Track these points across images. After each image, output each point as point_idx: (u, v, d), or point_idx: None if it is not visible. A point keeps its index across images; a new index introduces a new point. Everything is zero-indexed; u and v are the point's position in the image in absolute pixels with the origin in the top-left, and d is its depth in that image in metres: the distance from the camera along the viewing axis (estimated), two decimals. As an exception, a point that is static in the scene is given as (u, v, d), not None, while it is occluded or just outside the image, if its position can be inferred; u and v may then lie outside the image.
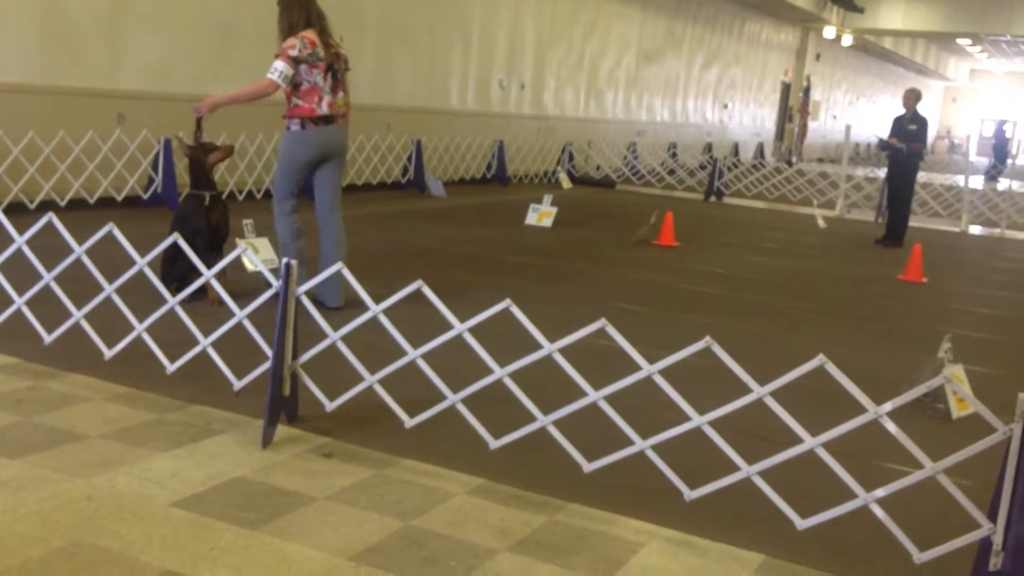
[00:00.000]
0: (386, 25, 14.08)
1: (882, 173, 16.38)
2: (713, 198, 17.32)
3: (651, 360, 3.68)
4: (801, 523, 3.43)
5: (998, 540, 3.05)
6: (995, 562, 3.06)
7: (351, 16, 13.38)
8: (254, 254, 5.55)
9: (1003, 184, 26.07)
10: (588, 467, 3.77)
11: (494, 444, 3.94)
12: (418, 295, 3.96)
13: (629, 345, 3.71)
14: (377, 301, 4.11)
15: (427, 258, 8.95)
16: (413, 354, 4.05)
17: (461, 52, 15.89)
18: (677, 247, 10.99)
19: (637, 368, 3.68)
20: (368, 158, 13.67)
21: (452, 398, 4.01)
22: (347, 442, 4.10)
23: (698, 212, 15.31)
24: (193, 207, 6.40)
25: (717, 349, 3.51)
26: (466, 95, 16.21)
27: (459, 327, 3.95)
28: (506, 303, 3.84)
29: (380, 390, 4.13)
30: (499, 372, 3.91)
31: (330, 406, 4.20)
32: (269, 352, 4.11)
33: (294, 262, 4.04)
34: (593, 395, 3.76)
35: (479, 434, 3.97)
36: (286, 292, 4.01)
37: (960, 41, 38.44)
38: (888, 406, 3.29)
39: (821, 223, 14.69)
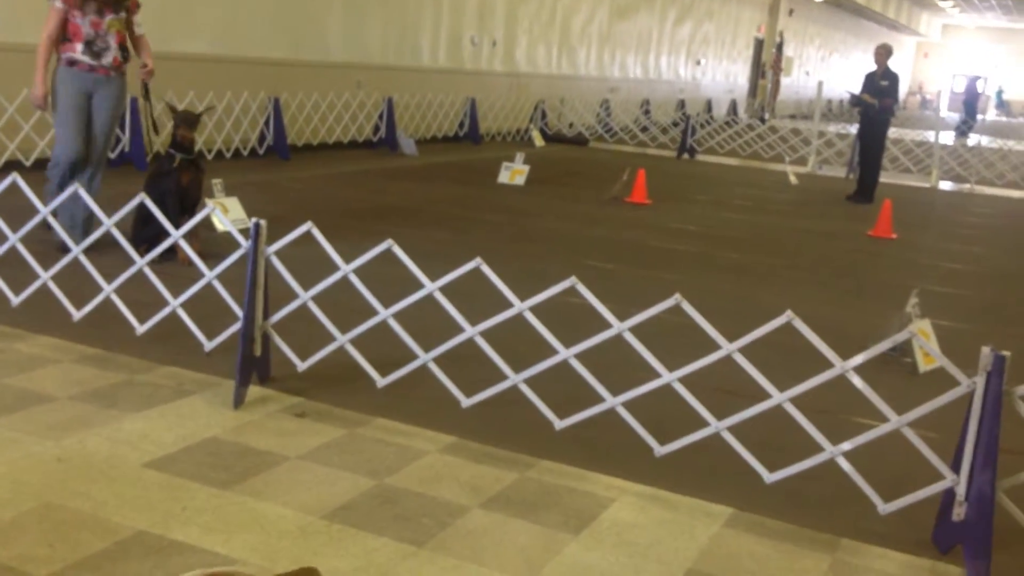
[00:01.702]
0: (355, -20, 13.88)
1: (854, 129, 16.43)
2: (686, 155, 17.32)
3: (621, 318, 3.70)
4: (769, 477, 3.48)
5: (961, 491, 3.12)
6: (958, 512, 3.13)
7: (320, -29, 13.19)
8: (223, 214, 5.50)
9: (973, 140, 26.25)
10: (559, 424, 3.80)
11: (466, 402, 3.95)
12: (389, 254, 3.95)
13: (599, 303, 3.73)
14: (348, 260, 4.09)
15: (399, 216, 8.91)
16: (384, 313, 4.05)
17: (432, 8, 15.71)
18: (649, 204, 11.00)
19: (608, 326, 3.69)
20: (339, 116, 13.54)
21: (424, 357, 4.01)
22: (319, 402, 4.10)
23: (671, 169, 15.31)
24: (163, 167, 6.32)
25: (686, 306, 3.53)
26: (437, 52, 16.06)
27: (430, 286, 3.95)
28: (476, 261, 3.84)
29: (352, 350, 4.13)
30: (470, 331, 3.92)
31: (302, 366, 4.20)
32: (240, 312, 4.09)
33: (263, 222, 4.01)
34: (564, 353, 3.77)
35: (451, 393, 3.98)
36: (255, 251, 3.98)
37: (932, -4, 38.50)
38: (855, 361, 3.33)
39: (793, 180, 14.74)
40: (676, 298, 3.54)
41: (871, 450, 3.48)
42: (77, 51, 6.15)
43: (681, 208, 11.13)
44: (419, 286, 3.97)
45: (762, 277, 7.71)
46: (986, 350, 3.03)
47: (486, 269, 3.85)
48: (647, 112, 22.70)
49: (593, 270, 7.33)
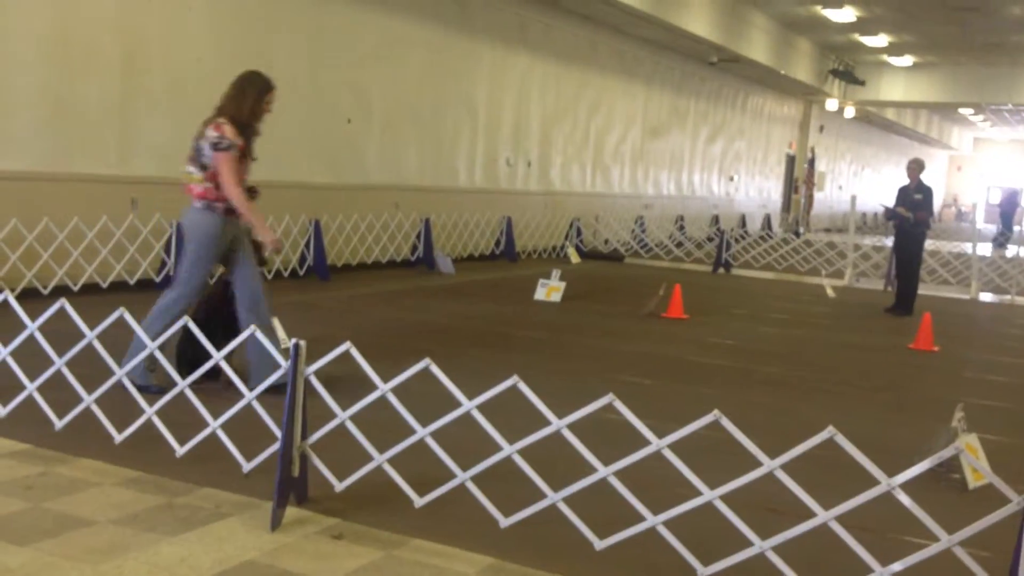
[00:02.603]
0: (392, 105, 14.34)
1: (889, 242, 16.43)
2: (721, 270, 17.38)
3: (660, 434, 3.67)
4: (817, 598, 3.38)
5: (1018, 613, 3.00)
6: (1016, 636, 3.01)
7: (357, 97, 13.66)
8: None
9: (1011, 251, 26.11)
10: (599, 544, 3.73)
11: (504, 522, 3.91)
12: (427, 372, 3.97)
13: (637, 419, 3.70)
14: (386, 379, 4.12)
15: (436, 334, 8.97)
16: (422, 432, 4.05)
17: (468, 130, 16.14)
18: (686, 319, 10.99)
19: (646, 443, 3.66)
20: (377, 236, 13.80)
21: (462, 476, 3.99)
22: (357, 522, 4.07)
23: (707, 284, 15.35)
24: (218, 290, 6.40)
25: (726, 422, 3.50)
26: (473, 173, 16.43)
27: (467, 404, 3.95)
28: (514, 379, 3.85)
29: (389, 469, 4.12)
30: (508, 449, 3.90)
31: (339, 486, 4.19)
32: (278, 433, 4.11)
33: (303, 342, 4.06)
34: (603, 471, 3.74)
35: (489, 512, 3.94)
36: (294, 372, 4.03)
37: (962, 111, 38.90)
38: (902, 477, 3.26)
39: (830, 292, 14.70)
40: (715, 414, 3.51)
41: (920, 570, 3.37)
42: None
43: (718, 322, 11.11)
44: (457, 404, 3.98)
45: (802, 392, 7.62)
46: (1035, 465, 2.96)
47: (523, 386, 3.85)
48: (682, 228, 22.91)
49: (631, 386, 7.30)
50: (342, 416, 4.16)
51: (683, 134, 24.19)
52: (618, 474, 3.72)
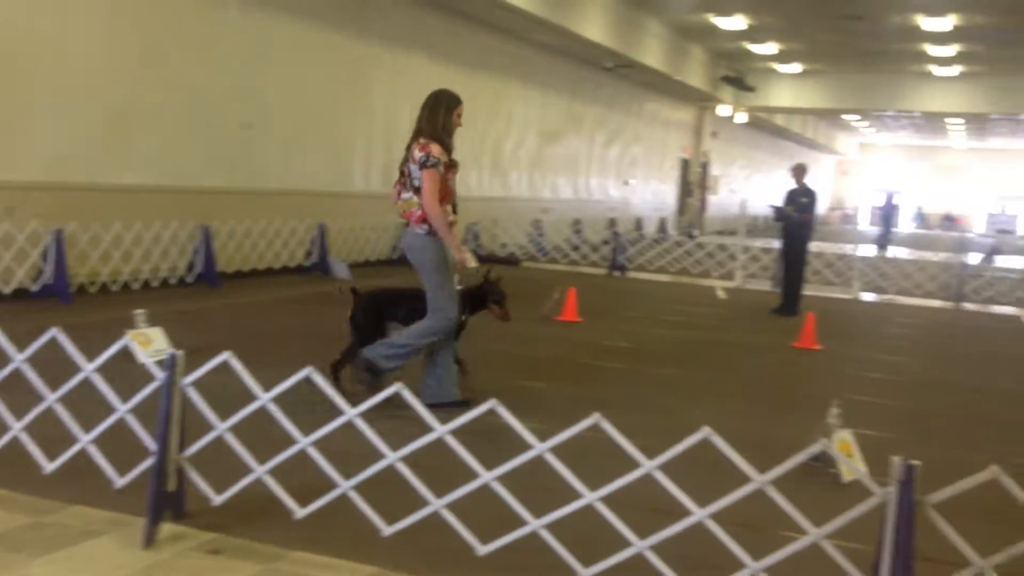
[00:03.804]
0: (289, 109, 14.11)
1: (778, 244, 16.90)
2: (617, 272, 17.61)
3: (544, 437, 3.68)
4: (695, 596, 3.43)
5: (882, 603, 3.10)
6: (881, 626, 3.11)
7: (252, 101, 13.39)
8: (144, 346, 5.42)
9: (891, 252, 27.16)
10: (483, 549, 3.73)
11: (387, 531, 3.86)
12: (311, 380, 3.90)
13: (518, 423, 3.71)
14: (270, 388, 4.03)
15: (326, 342, 8.83)
16: (303, 442, 3.98)
17: (364, 134, 16.00)
18: (581, 322, 11.09)
19: (530, 447, 3.67)
20: (270, 242, 13.55)
21: (344, 485, 3.93)
22: (236, 536, 3.97)
23: (602, 286, 15.53)
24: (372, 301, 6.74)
25: (606, 425, 3.54)
26: (370, 177, 16.28)
27: (349, 412, 3.90)
28: (398, 386, 3.82)
29: (270, 480, 4.03)
30: (391, 456, 3.86)
31: (217, 500, 4.08)
32: (153, 446, 3.98)
33: (179, 353, 3.95)
34: (485, 475, 3.73)
35: (372, 521, 3.89)
36: (170, 383, 3.91)
37: (847, 117, 40.32)
38: (773, 474, 3.34)
39: (721, 294, 15.04)
40: (595, 417, 3.55)
41: (796, 564, 3.45)
42: (449, 213, 6.22)
43: (612, 325, 11.24)
44: (340, 413, 3.92)
45: (691, 392, 7.77)
46: (897, 460, 3.07)
47: (407, 394, 3.82)
48: (578, 231, 23.13)
49: (521, 389, 7.32)
50: (220, 428, 4.06)
51: (580, 139, 24.44)
52: (502, 479, 3.72)
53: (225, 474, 4.16)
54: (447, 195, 6.17)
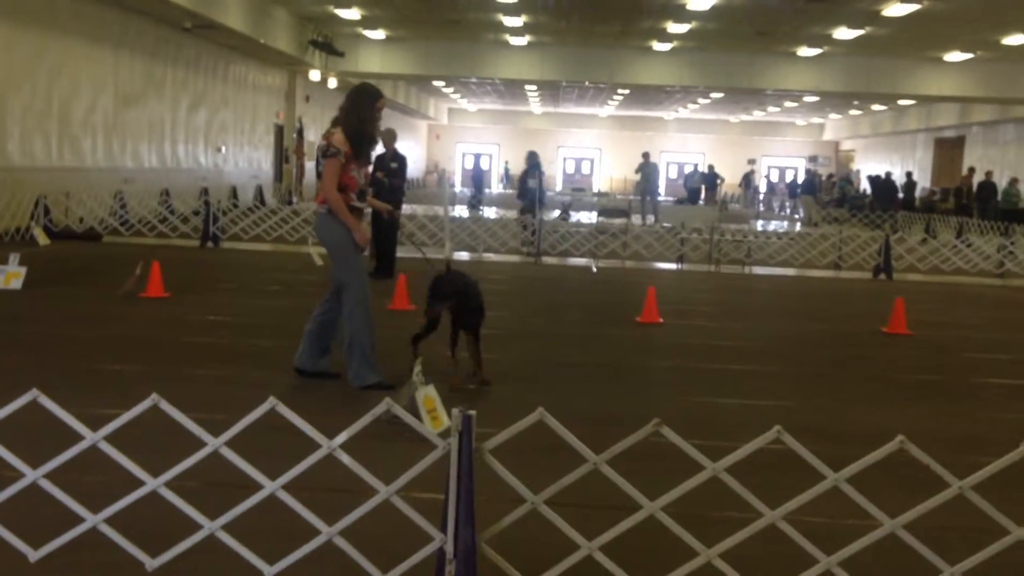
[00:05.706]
0: None
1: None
2: (210, 243, 16.93)
3: (96, 425, 3.38)
4: (270, 569, 3.35)
5: (449, 549, 3.22)
6: (450, 570, 3.23)
7: None
8: None
9: (483, 212, 28.78)
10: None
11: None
12: None
13: (69, 416, 3.38)
14: None
15: None
16: None
17: None
18: (168, 297, 10.50)
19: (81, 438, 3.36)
20: None
21: None
22: None
23: (193, 259, 14.86)
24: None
25: (165, 405, 3.32)
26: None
27: None
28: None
29: None
30: (32, 475, 3.36)
31: None
32: None
33: None
34: (31, 475, 3.36)
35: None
36: None
37: (436, 83, 41.88)
38: (340, 438, 3.33)
39: (317, 261, 14.97)
40: (153, 398, 3.32)
41: (373, 521, 3.47)
42: (353, 200, 6.76)
43: (204, 299, 10.78)
44: None
45: (281, 364, 7.63)
46: (456, 411, 3.18)
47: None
48: (167, 202, 21.89)
49: (100, 374, 6.79)
50: None
51: (162, 103, 23.05)
52: (49, 475, 3.38)
53: None
54: (351, 183, 6.69)
